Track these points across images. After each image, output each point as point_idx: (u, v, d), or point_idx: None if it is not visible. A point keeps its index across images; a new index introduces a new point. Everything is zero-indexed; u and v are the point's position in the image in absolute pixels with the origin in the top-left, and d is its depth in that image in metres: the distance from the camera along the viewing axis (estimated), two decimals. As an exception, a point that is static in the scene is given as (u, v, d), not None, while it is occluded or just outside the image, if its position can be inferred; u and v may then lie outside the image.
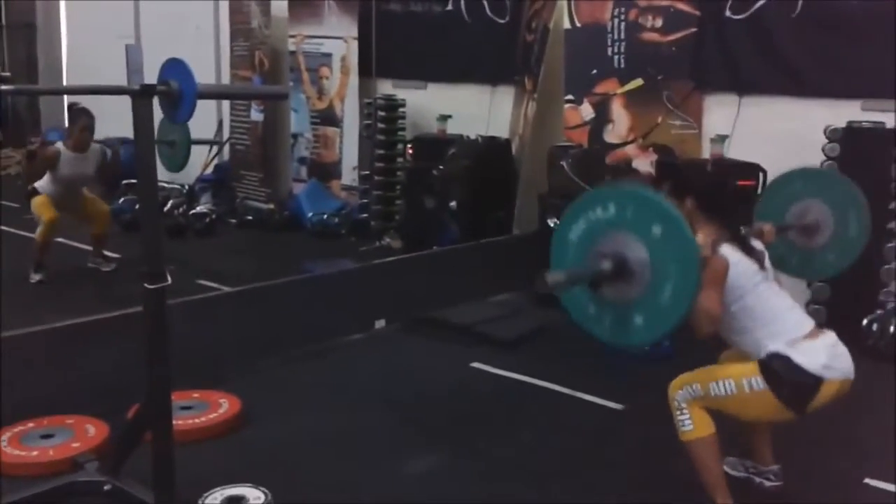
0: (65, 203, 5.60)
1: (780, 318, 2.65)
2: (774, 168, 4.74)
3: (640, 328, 2.44)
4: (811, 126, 4.91)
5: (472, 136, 6.25)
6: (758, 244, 2.81)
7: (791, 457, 3.03)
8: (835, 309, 4.62)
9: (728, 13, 5.47)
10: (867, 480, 3.08)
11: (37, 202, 5.57)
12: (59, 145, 5.59)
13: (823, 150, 4.84)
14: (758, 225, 3.03)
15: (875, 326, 4.48)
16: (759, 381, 2.57)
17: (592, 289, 2.51)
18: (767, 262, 2.77)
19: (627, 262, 2.40)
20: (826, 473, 3.14)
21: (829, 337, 2.65)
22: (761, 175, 4.80)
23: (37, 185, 5.60)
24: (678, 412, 2.68)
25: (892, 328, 4.48)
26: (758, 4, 5.34)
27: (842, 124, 4.84)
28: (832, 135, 4.84)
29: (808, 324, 2.67)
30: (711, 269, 2.53)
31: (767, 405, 2.58)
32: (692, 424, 2.66)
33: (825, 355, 2.57)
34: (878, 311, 4.51)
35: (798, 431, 2.98)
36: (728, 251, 2.63)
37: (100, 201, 5.88)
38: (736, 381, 2.60)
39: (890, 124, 4.76)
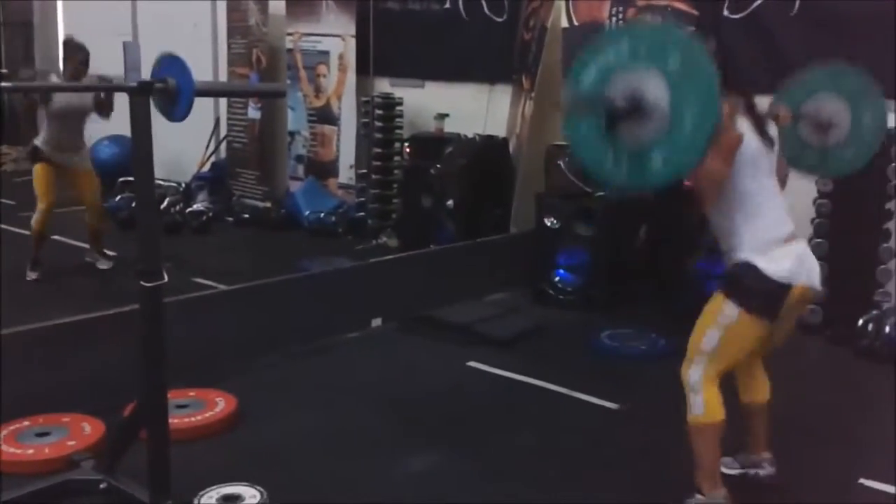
0: (62, 152, 5.39)
1: (764, 217, 2.64)
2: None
3: (656, 167, 2.41)
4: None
5: (470, 135, 6.26)
6: (771, 128, 2.77)
7: (787, 456, 3.03)
8: (831, 309, 4.63)
9: (726, 12, 5.47)
10: (862, 480, 3.08)
11: (37, 173, 5.43)
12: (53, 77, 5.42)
13: (820, 149, 4.84)
14: (774, 107, 2.98)
15: (870, 327, 4.49)
16: (730, 308, 2.60)
17: (607, 127, 2.46)
18: (776, 150, 2.74)
19: (644, 98, 2.38)
20: (821, 473, 3.14)
21: (800, 245, 2.69)
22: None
23: (37, 141, 5.44)
24: (692, 393, 2.68)
25: (887, 328, 4.48)
26: (756, 4, 5.35)
27: (839, 124, 4.85)
28: (829, 134, 4.84)
29: (787, 228, 2.67)
30: (725, 139, 2.52)
31: (749, 325, 2.61)
32: (703, 408, 2.66)
33: (791, 261, 2.59)
34: (874, 312, 4.52)
35: (793, 431, 2.99)
36: (744, 126, 2.61)
37: (94, 177, 5.66)
38: (714, 324, 2.63)
39: (888, 124, 4.76)
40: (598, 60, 2.52)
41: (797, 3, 5.17)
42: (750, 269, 2.59)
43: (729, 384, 2.84)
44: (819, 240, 4.72)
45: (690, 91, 2.34)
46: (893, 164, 4.67)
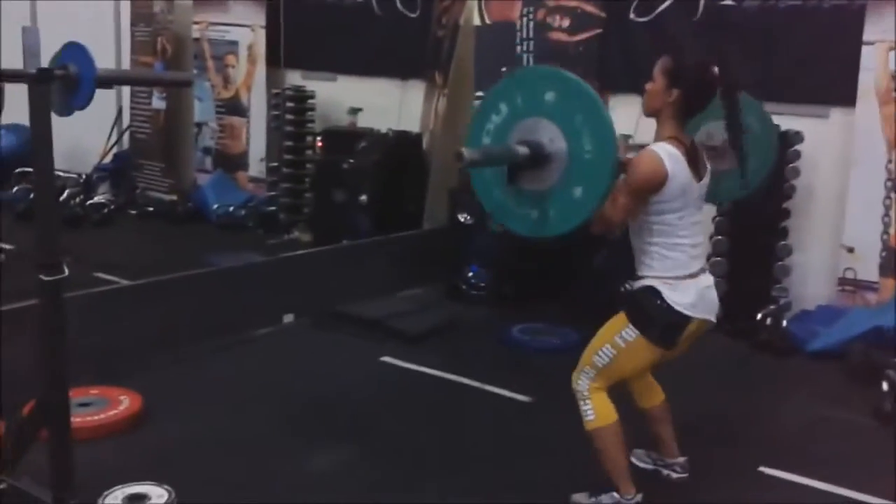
0: None
1: (681, 251, 2.65)
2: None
3: (553, 219, 2.43)
4: (710, 127, 5.10)
5: (383, 130, 6.24)
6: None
7: (688, 449, 3.12)
8: (730, 304, 4.80)
9: (632, 16, 5.62)
10: (761, 469, 3.22)
11: None
12: None
13: (722, 150, 5.03)
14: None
15: (768, 321, 4.68)
16: (629, 331, 2.64)
17: (509, 176, 2.47)
18: (706, 179, 2.72)
19: (544, 148, 2.38)
20: (722, 464, 3.26)
21: (706, 279, 2.72)
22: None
23: None
24: (581, 402, 2.74)
25: (784, 323, 4.69)
26: (661, 8, 5.51)
27: (739, 126, 5.04)
28: (730, 136, 5.03)
29: (698, 264, 2.71)
30: (639, 174, 2.53)
31: (645, 350, 2.65)
32: (594, 414, 2.71)
33: (694, 295, 2.64)
34: (771, 307, 4.72)
35: (694, 424, 3.09)
36: (676, 157, 2.56)
37: None
38: (611, 342, 2.67)
39: (783, 126, 4.97)
40: (496, 110, 2.53)
41: (700, 9, 5.35)
42: (654, 297, 2.62)
43: (623, 389, 2.91)
44: (718, 259, 4.87)
45: (586, 139, 2.34)
46: (790, 166, 4.89)
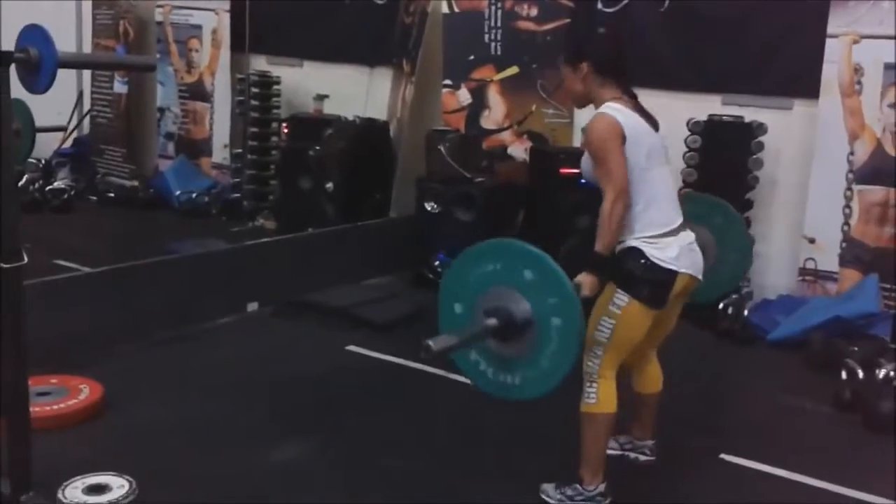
0: None
1: (657, 204, 2.65)
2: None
3: (526, 383, 2.46)
4: (675, 119, 5.12)
5: (350, 118, 6.19)
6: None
7: (653, 437, 3.15)
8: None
9: (600, 6, 5.62)
10: (722, 456, 3.26)
11: None
12: None
13: (686, 141, 5.08)
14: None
15: (730, 310, 4.75)
16: (620, 295, 2.62)
17: (480, 347, 2.50)
18: (660, 137, 2.74)
19: (513, 316, 2.40)
20: (685, 451, 3.29)
21: (688, 236, 2.72)
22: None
23: None
24: (588, 383, 2.69)
25: (746, 312, 4.76)
26: (628, -1, 5.53)
27: (703, 117, 5.10)
28: (694, 127, 5.09)
29: (677, 219, 2.71)
30: (600, 139, 2.56)
31: (640, 313, 2.63)
32: (596, 398, 2.68)
33: (677, 249, 2.63)
34: (733, 296, 4.77)
35: (658, 412, 3.11)
36: (620, 109, 2.61)
37: None
38: (606, 312, 2.63)
39: (748, 118, 5.04)
40: (462, 286, 2.54)
41: (666, 1, 5.38)
42: (638, 255, 2.61)
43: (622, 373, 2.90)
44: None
45: (552, 315, 2.35)
46: (754, 157, 4.95)
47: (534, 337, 2.39)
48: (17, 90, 2.35)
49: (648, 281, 2.61)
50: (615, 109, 2.64)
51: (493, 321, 2.42)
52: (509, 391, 2.52)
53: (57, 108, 7.53)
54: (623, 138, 2.59)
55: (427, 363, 4.02)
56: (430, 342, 2.36)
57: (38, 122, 6.91)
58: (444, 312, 2.62)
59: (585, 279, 2.56)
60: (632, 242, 2.64)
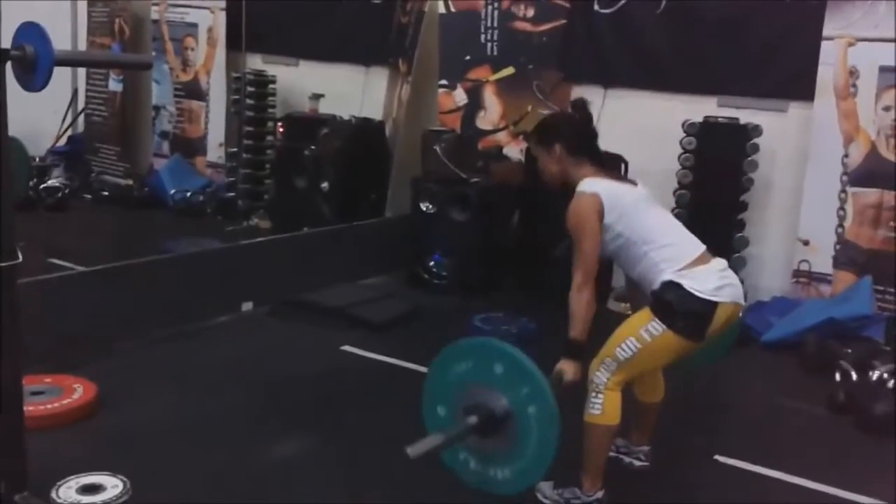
0: None
1: (671, 239, 2.67)
2: (636, 159, 4.98)
3: (508, 479, 2.44)
4: (671, 120, 5.16)
5: (346, 117, 6.18)
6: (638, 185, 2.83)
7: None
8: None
9: (596, 7, 5.64)
10: (717, 457, 3.27)
11: None
12: None
13: (681, 143, 5.09)
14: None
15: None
16: (655, 325, 2.58)
17: (465, 444, 2.50)
18: (641, 192, 2.78)
19: (492, 412, 2.39)
20: (679, 452, 3.30)
21: (720, 262, 2.69)
22: (623, 166, 4.98)
23: None
24: (593, 393, 2.67)
25: (740, 314, 4.74)
26: (624, 0, 5.53)
27: (699, 119, 5.11)
28: (690, 129, 5.10)
29: (699, 247, 2.69)
30: (581, 211, 2.63)
31: (671, 344, 2.60)
32: (601, 409, 2.66)
33: (716, 279, 2.60)
34: (728, 297, 4.77)
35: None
36: (595, 182, 2.68)
37: None
38: (635, 335, 2.60)
39: (743, 120, 5.05)
40: (441, 387, 2.55)
41: (663, 3, 5.39)
42: (675, 288, 2.57)
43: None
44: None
45: (525, 397, 2.34)
46: (748, 159, 4.96)
47: (515, 429, 2.38)
48: (13, 89, 2.34)
49: (687, 312, 2.57)
50: (592, 183, 2.70)
51: (473, 418, 2.42)
52: (498, 486, 2.49)
53: (52, 106, 7.51)
54: (601, 214, 2.64)
55: (424, 364, 4.02)
56: (409, 449, 2.34)
57: (34, 121, 6.85)
58: (428, 416, 2.61)
59: (566, 366, 2.58)
60: (668, 277, 2.60)
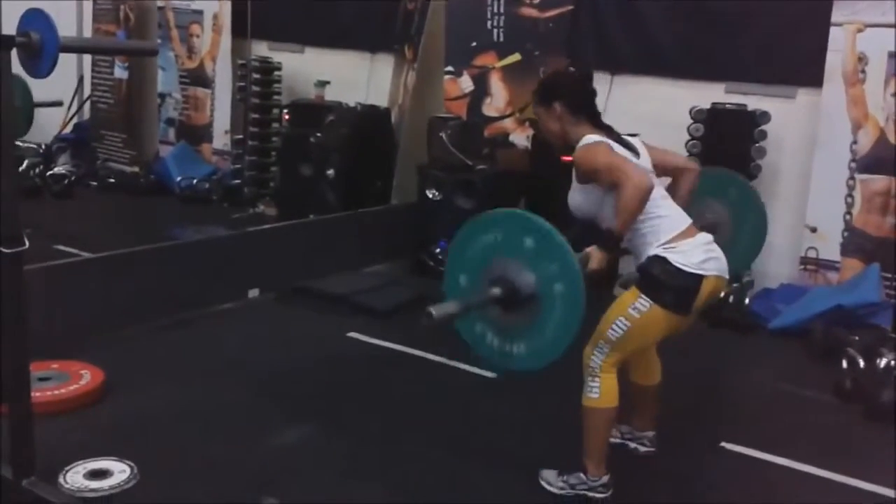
0: None
1: (664, 212, 2.65)
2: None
3: (523, 355, 2.45)
4: (678, 106, 5.13)
5: (351, 104, 6.17)
6: (636, 142, 2.82)
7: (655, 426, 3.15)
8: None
9: (603, -8, 5.60)
10: (723, 444, 3.27)
11: None
12: None
13: (688, 129, 5.06)
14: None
15: (731, 299, 4.74)
16: (643, 301, 2.59)
17: (484, 315, 2.49)
18: (645, 160, 2.78)
19: (516, 286, 2.38)
20: (685, 438, 3.30)
21: (705, 236, 2.69)
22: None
23: None
24: (589, 378, 2.69)
25: (746, 300, 4.75)
26: (631, -15, 5.50)
27: (706, 105, 5.08)
28: (697, 115, 5.07)
29: (685, 221, 2.69)
30: (598, 155, 2.60)
31: (660, 319, 2.61)
32: (598, 393, 2.68)
33: (702, 252, 2.61)
34: (735, 285, 4.76)
35: (660, 401, 3.11)
36: (598, 136, 2.67)
37: None
38: (624, 314, 2.61)
39: (751, 106, 5.02)
40: (466, 257, 2.54)
41: (670, -12, 5.35)
42: (660, 262, 2.58)
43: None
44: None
45: (553, 274, 2.34)
46: (756, 145, 4.93)
47: (538, 306, 2.37)
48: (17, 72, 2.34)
49: (673, 286, 2.58)
50: (595, 139, 2.68)
51: (496, 290, 2.41)
52: (513, 361, 2.50)
53: (57, 93, 7.51)
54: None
55: (430, 350, 4.03)
56: (432, 309, 2.36)
57: (36, 109, 6.90)
58: (449, 284, 2.61)
59: (595, 253, 2.59)
60: (654, 251, 2.61)
